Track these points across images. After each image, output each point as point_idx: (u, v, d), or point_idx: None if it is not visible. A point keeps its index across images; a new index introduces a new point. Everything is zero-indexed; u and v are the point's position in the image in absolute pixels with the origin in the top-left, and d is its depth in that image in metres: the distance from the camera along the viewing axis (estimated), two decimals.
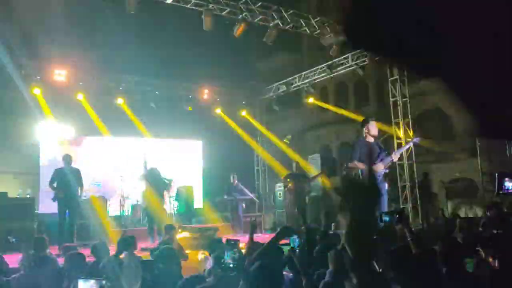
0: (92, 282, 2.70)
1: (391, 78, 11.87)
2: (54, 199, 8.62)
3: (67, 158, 8.85)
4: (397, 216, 3.24)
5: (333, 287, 2.23)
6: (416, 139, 6.95)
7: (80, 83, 12.02)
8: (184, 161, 15.51)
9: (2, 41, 9.22)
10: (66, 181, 8.58)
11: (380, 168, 5.98)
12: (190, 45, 13.26)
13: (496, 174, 9.03)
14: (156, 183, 9.54)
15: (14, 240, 8.21)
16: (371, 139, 6.20)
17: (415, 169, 11.64)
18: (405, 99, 11.67)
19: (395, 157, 6.24)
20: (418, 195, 11.30)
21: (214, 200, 14.07)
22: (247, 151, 16.31)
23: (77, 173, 8.89)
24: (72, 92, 12.10)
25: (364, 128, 6.20)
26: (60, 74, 11.37)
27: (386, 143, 17.71)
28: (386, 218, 3.29)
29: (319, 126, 23.23)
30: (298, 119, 23.53)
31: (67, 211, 8.62)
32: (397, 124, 11.74)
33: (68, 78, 11.62)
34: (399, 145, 11.66)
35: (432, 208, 12.12)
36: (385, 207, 5.94)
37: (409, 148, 11.15)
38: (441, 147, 18.44)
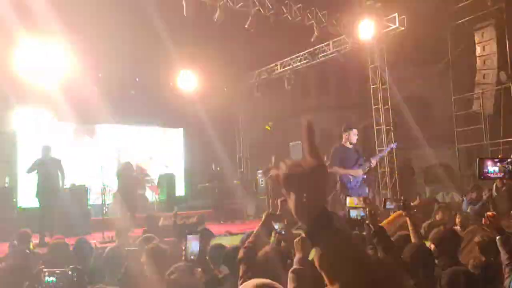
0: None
1: (372, 65, 11.96)
2: (36, 195, 8.48)
3: (46, 149, 8.62)
4: (401, 204, 3.43)
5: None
6: (394, 145, 7.14)
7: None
8: (165, 149, 15.49)
9: None
10: (47, 172, 8.41)
11: (359, 173, 6.16)
12: (171, 31, 13.06)
13: (477, 159, 9.25)
14: (129, 180, 9.52)
15: None
16: (349, 146, 6.40)
17: (394, 155, 11.83)
18: (385, 86, 11.79)
19: (373, 162, 6.40)
20: (397, 181, 11.51)
21: (196, 187, 14.07)
22: (228, 138, 16.30)
23: (58, 163, 8.71)
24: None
25: (345, 134, 6.43)
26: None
27: (366, 131, 17.96)
28: (389, 206, 3.53)
29: (300, 113, 23.32)
30: (280, 106, 23.57)
31: (48, 203, 8.49)
32: (377, 110, 11.87)
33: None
34: (379, 133, 11.83)
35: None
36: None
37: (388, 140, 11.33)
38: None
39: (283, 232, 3.13)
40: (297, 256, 2.18)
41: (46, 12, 8.19)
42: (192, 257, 2.91)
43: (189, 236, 3.04)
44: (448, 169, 18.08)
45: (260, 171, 13.68)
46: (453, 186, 13.40)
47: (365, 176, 6.32)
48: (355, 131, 6.50)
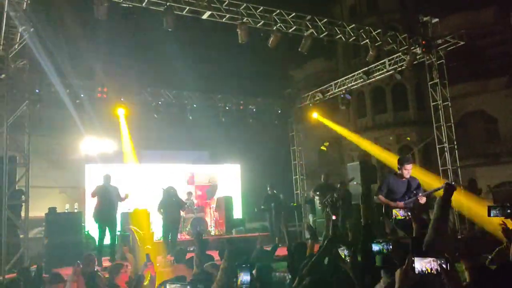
0: None
1: (431, 82, 11.59)
2: (95, 220, 9.05)
3: (107, 178, 9.35)
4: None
5: None
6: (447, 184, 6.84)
7: (122, 99, 12.37)
8: (223, 181, 15.79)
9: (51, 60, 9.65)
10: (107, 197, 9.01)
11: (400, 205, 6.19)
12: (226, 59, 13.50)
13: None
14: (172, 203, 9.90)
15: None
16: (403, 178, 6.41)
17: (459, 174, 11.28)
18: (446, 102, 11.36)
19: (421, 199, 6.16)
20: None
21: (253, 210, 14.11)
22: (285, 160, 16.32)
23: (115, 190, 9.29)
24: (113, 109, 12.48)
25: (399, 167, 6.43)
26: (103, 91, 11.72)
27: (427, 149, 17.31)
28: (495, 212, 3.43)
29: (357, 132, 22.95)
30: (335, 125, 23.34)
31: (107, 227, 8.98)
32: (439, 128, 11.43)
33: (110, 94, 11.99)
34: (441, 151, 11.35)
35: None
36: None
37: (452, 159, 10.86)
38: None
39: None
40: (397, 286, 2.21)
41: None
42: (244, 287, 2.92)
43: (239, 267, 3.06)
44: None
45: (311, 192, 13.32)
46: None
47: (404, 212, 6.18)
48: (408, 166, 6.37)
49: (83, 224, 11.31)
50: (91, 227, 11.90)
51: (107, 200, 9.06)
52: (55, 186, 13.64)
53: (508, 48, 15.18)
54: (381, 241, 4.07)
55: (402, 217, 3.97)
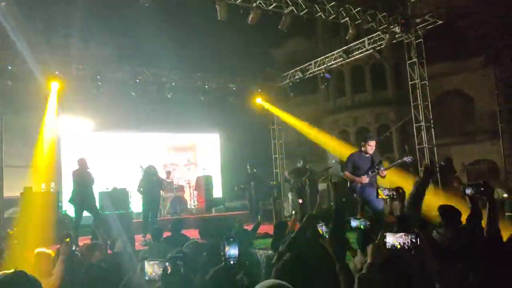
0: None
1: (409, 61, 11.67)
2: (70, 201, 8.96)
3: (82, 162, 9.09)
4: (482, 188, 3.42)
5: (372, 281, 2.21)
6: (409, 158, 7.25)
7: (98, 76, 12.11)
8: (203, 153, 15.86)
9: (23, 36, 9.33)
10: (83, 182, 8.89)
11: (364, 180, 6.70)
12: (204, 36, 13.28)
13: None
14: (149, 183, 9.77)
15: None
16: (366, 154, 6.88)
17: (435, 152, 11.49)
18: (424, 81, 11.48)
19: (382, 173, 6.73)
20: (439, 178, 11.17)
21: (233, 189, 14.16)
22: (264, 139, 16.36)
23: (90, 175, 9.16)
24: (89, 86, 12.22)
25: (363, 143, 6.92)
26: (78, 68, 11.46)
27: (405, 128, 17.56)
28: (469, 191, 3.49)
29: (336, 111, 23.08)
30: (315, 105, 23.41)
31: (85, 210, 8.91)
32: (416, 107, 11.57)
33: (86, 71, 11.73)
34: (418, 130, 11.53)
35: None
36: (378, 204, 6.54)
37: (427, 135, 11.05)
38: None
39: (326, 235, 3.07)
40: (368, 261, 2.20)
41: None
42: (231, 261, 2.91)
43: (227, 240, 3.05)
44: (492, 165, 17.45)
45: (286, 173, 13.44)
46: (498, 182, 12.87)
47: (371, 182, 6.78)
48: (371, 143, 6.87)
49: (60, 204, 11.17)
50: (69, 207, 11.78)
51: (83, 186, 8.92)
52: (31, 165, 13.35)
53: (485, 28, 15.36)
54: (359, 217, 4.17)
55: (386, 197, 4.11)
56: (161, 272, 2.49)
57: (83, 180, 8.90)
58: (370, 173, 6.77)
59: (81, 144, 12.83)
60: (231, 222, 8.06)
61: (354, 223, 3.77)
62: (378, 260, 2.32)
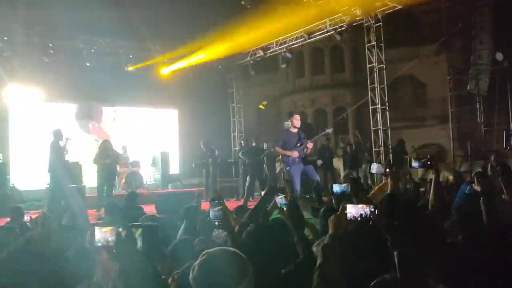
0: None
1: (368, 44, 11.89)
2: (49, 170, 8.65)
3: (58, 133, 8.77)
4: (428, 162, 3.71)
5: (335, 250, 2.27)
6: (330, 130, 8.42)
7: (50, 44, 11.53)
8: (160, 129, 15.66)
9: None
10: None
11: (295, 154, 7.23)
12: (163, 7, 12.92)
13: (504, 132, 10.71)
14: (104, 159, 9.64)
15: None
16: (294, 130, 7.46)
17: (389, 134, 11.89)
18: (381, 65, 11.75)
19: (309, 145, 7.35)
20: (391, 160, 11.59)
21: (190, 165, 14.07)
22: (223, 117, 16.27)
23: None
24: (41, 54, 11.62)
25: (289, 120, 7.49)
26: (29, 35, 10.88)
27: (360, 110, 18.00)
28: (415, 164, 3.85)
29: (294, 92, 23.24)
30: (274, 85, 23.48)
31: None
32: (373, 90, 11.86)
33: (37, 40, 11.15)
34: (374, 112, 11.86)
35: (404, 173, 12.46)
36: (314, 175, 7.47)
37: (382, 117, 11.40)
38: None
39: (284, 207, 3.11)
40: (330, 232, 2.24)
41: None
42: (216, 222, 2.94)
43: (212, 203, 3.09)
44: (440, 148, 18.29)
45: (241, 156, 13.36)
46: (445, 165, 13.52)
47: (303, 156, 7.36)
48: (297, 116, 7.49)
49: (8, 176, 10.71)
50: (16, 180, 11.30)
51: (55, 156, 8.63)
52: None
53: (440, 16, 15.84)
54: (342, 182, 4.40)
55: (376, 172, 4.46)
56: (114, 238, 2.30)
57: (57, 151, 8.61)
58: (298, 145, 7.31)
59: (30, 115, 12.30)
60: (189, 197, 8.00)
61: (337, 188, 4.15)
62: (339, 230, 2.38)
